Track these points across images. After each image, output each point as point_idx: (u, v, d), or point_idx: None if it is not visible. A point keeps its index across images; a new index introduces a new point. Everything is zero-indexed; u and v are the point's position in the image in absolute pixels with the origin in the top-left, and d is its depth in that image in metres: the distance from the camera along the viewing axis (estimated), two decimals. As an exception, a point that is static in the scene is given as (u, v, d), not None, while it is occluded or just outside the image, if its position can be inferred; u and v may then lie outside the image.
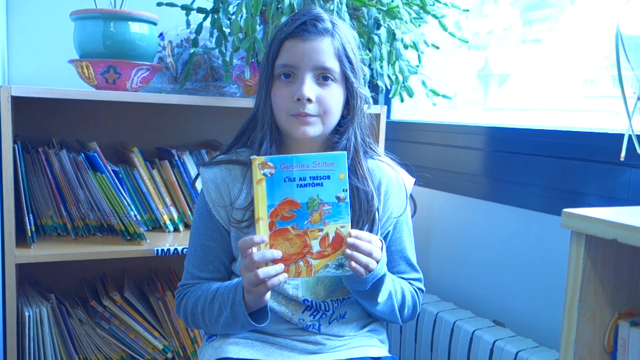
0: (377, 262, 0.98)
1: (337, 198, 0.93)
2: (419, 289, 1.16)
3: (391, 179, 1.13)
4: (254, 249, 0.93)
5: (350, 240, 0.94)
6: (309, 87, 1.02)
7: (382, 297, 1.04)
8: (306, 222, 0.93)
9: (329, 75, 1.04)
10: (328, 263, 0.94)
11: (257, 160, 0.92)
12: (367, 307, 1.10)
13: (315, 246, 0.94)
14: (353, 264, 0.95)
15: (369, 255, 0.96)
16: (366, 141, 1.13)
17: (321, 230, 0.94)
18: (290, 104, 1.03)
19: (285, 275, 0.93)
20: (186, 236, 1.55)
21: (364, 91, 1.10)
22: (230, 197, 1.08)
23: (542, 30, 1.56)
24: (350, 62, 1.06)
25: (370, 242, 0.97)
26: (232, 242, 1.10)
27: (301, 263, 0.94)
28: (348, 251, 0.94)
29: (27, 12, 1.65)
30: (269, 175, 0.92)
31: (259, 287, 0.93)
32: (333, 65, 1.04)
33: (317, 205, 0.93)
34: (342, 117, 1.09)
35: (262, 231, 0.93)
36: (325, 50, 1.03)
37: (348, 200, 0.93)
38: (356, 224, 1.06)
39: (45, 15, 1.66)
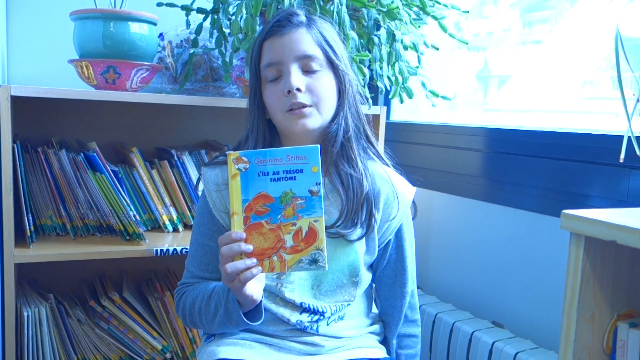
0: None
1: (310, 192, 0.93)
2: (416, 323, 1.20)
3: (391, 189, 1.11)
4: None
5: None
6: (296, 77, 1.02)
7: None
8: (279, 216, 0.93)
9: (313, 62, 1.04)
10: (301, 258, 0.94)
11: (232, 155, 0.93)
12: None
13: (289, 241, 0.94)
14: None
15: None
16: (359, 127, 1.11)
17: (294, 224, 0.93)
18: (282, 99, 1.03)
19: (259, 268, 0.93)
20: (185, 236, 1.55)
21: (352, 75, 1.09)
22: None
23: (542, 31, 1.56)
24: (332, 48, 1.06)
25: None
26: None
27: (275, 258, 0.94)
28: None
29: (26, 12, 1.65)
30: (243, 170, 0.92)
31: (233, 282, 0.93)
32: (315, 52, 1.04)
33: (290, 200, 0.93)
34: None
35: (237, 226, 0.93)
36: (303, 39, 1.04)
37: (322, 194, 0.93)
38: (350, 212, 1.05)
39: (45, 15, 1.66)
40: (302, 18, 1.06)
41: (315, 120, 1.05)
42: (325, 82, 1.05)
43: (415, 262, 1.18)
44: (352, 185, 1.06)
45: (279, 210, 0.93)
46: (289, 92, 1.02)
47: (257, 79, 1.07)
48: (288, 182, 0.92)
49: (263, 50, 1.05)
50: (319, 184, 0.93)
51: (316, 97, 1.04)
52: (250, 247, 0.93)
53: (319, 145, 0.93)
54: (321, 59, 1.05)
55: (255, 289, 0.97)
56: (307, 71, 1.04)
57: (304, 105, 1.03)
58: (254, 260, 0.93)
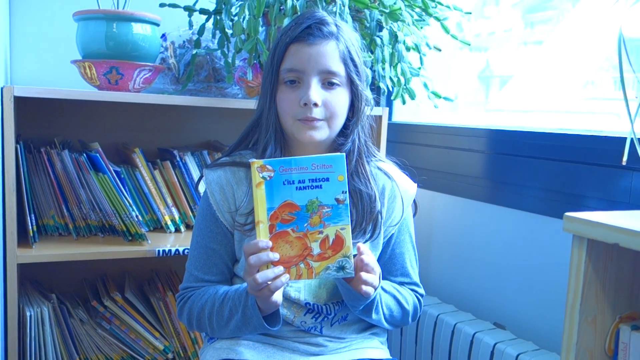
0: (375, 288, 1.00)
1: (337, 200, 0.93)
2: (419, 294, 1.17)
3: (394, 185, 1.13)
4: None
5: (365, 258, 0.96)
6: (316, 92, 1.02)
7: (375, 315, 1.07)
8: (306, 224, 0.93)
9: (334, 79, 1.04)
10: (329, 265, 0.94)
11: (256, 163, 0.92)
12: (365, 318, 1.11)
13: (316, 248, 0.94)
14: (364, 287, 0.97)
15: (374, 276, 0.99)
16: (367, 143, 1.13)
17: (321, 232, 0.94)
18: (297, 109, 1.03)
19: (287, 276, 0.93)
20: (187, 237, 1.55)
21: (368, 93, 1.10)
22: (235, 200, 1.08)
23: (544, 32, 1.56)
24: (355, 65, 1.06)
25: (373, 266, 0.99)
26: (235, 244, 1.10)
27: (302, 265, 0.94)
28: (363, 276, 0.96)
29: (29, 13, 1.65)
30: (268, 179, 0.92)
31: (262, 291, 0.93)
32: (338, 69, 1.03)
33: (316, 208, 0.93)
34: (347, 119, 1.09)
35: (262, 234, 0.93)
36: (330, 54, 1.03)
37: (348, 202, 0.93)
38: (359, 225, 1.06)
39: (48, 15, 1.66)
40: (333, 28, 1.04)
41: (324, 133, 1.05)
42: (341, 99, 1.05)
43: (417, 253, 1.19)
44: (362, 200, 1.07)
45: (306, 219, 0.93)
46: (305, 104, 1.02)
47: (275, 79, 1.06)
48: (314, 190, 0.93)
49: (287, 53, 1.04)
50: (345, 192, 0.93)
51: (329, 112, 1.04)
52: (277, 256, 0.93)
53: (344, 154, 0.93)
54: (343, 76, 1.04)
55: (279, 295, 0.97)
56: (327, 85, 1.04)
57: (316, 119, 1.03)
58: (281, 268, 0.93)
